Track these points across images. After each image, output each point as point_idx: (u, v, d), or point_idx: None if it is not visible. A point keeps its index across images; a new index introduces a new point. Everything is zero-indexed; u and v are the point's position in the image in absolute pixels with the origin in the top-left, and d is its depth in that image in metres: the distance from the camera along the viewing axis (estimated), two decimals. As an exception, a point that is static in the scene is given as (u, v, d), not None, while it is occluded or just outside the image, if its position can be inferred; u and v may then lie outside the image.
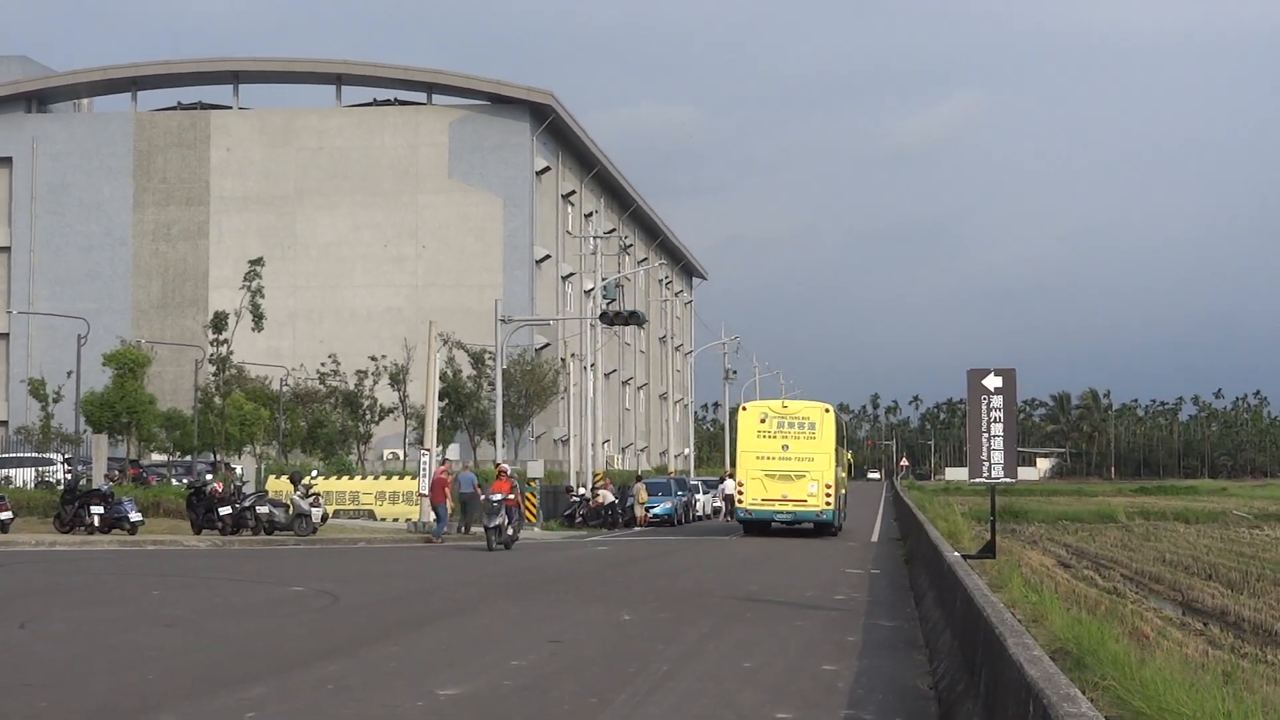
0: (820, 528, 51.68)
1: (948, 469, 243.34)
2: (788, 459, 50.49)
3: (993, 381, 28.05)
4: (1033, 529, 79.03)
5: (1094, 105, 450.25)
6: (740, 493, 51.56)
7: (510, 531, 41.65)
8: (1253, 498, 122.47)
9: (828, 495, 50.38)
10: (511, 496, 41.73)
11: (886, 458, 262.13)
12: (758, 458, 50.85)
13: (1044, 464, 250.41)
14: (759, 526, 51.90)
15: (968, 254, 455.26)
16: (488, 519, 41.38)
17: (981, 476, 28.31)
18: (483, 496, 43.24)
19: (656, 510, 63.84)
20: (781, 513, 50.66)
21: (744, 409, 53.10)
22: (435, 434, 55.18)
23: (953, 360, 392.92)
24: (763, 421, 51.12)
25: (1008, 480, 28.55)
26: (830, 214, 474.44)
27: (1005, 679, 10.67)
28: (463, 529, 49.94)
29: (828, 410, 52.22)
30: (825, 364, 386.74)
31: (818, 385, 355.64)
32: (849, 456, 66.84)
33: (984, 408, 28.04)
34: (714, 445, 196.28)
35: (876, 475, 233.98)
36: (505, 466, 44.18)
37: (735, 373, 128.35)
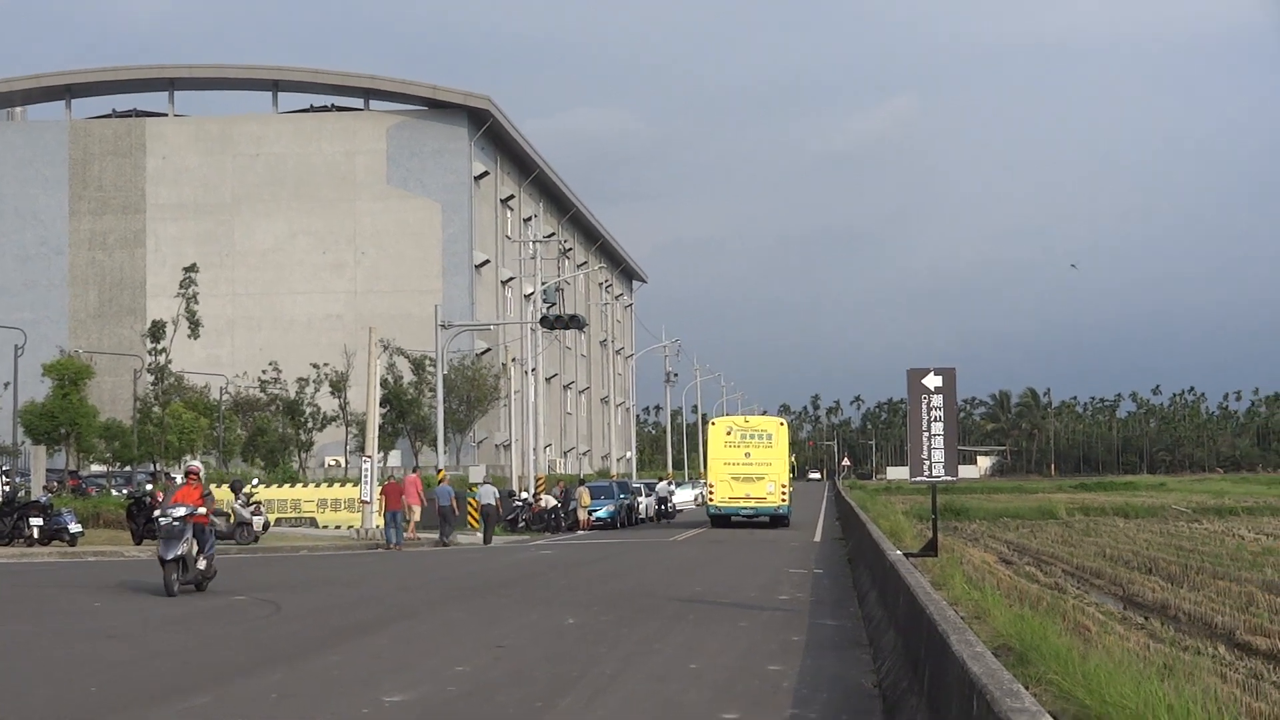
0: (776, 520, 61.38)
1: (889, 468, 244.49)
2: (750, 464, 61.13)
3: (933, 381, 28.12)
4: (974, 526, 79.25)
5: (1027, 109, 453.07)
6: (711, 492, 62.20)
7: (202, 565, 27.71)
8: (1191, 492, 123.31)
9: (783, 494, 61.32)
10: (202, 511, 27.67)
11: (828, 457, 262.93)
12: (725, 464, 61.40)
13: (985, 462, 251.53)
14: (724, 520, 61.66)
15: (906, 255, 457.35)
16: (165, 549, 26.83)
17: (922, 475, 28.38)
18: (162, 515, 27.58)
19: (599, 513, 63.95)
20: (745, 508, 61.16)
21: (713, 423, 63.96)
22: (376, 441, 55.05)
23: (893, 360, 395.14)
24: (729, 434, 61.69)
25: (948, 479, 28.62)
26: (768, 217, 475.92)
27: (949, 676, 10.70)
28: (443, 542, 49.88)
29: (782, 423, 63.54)
30: (766, 365, 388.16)
31: (758, 387, 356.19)
32: (792, 459, 70.29)
33: (924, 407, 28.12)
34: (656, 448, 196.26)
35: (817, 475, 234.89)
36: (196, 466, 29.09)
37: (676, 375, 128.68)
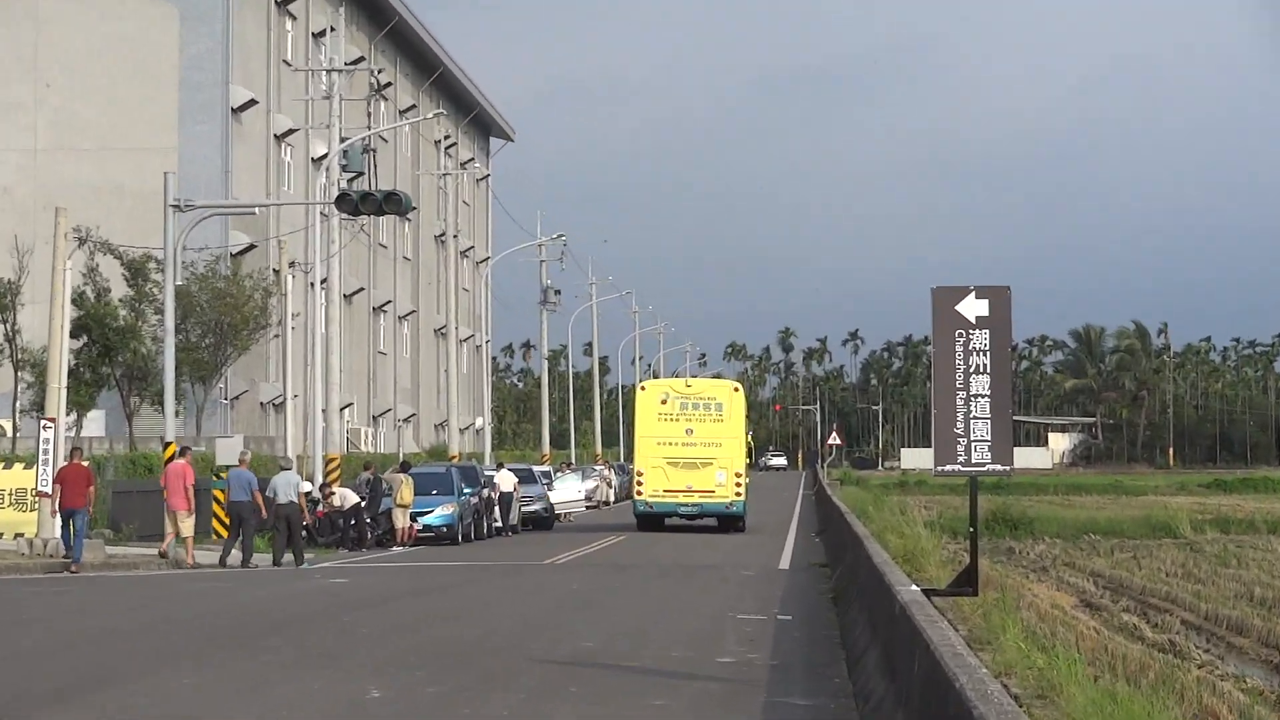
0: (726, 521, 70.09)
1: (905, 451, 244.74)
2: (692, 444, 68.92)
3: (973, 308, 27.92)
4: (1042, 547, 79.60)
5: None
6: (639, 483, 69.91)
7: None
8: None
9: (737, 485, 68.96)
10: None
11: (806, 432, 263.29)
12: (659, 443, 69.11)
13: (1060, 441, 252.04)
14: (655, 521, 70.07)
15: (929, 112, 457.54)
16: None
17: (955, 463, 28.17)
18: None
19: (430, 519, 63.81)
20: (686, 505, 69.44)
21: (642, 389, 73.25)
22: (64, 393, 54.59)
23: (913, 276, 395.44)
24: (664, 403, 69.58)
25: (998, 469, 28.51)
26: (710, 45, 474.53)
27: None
28: (242, 559, 50.49)
29: (736, 389, 72.43)
30: (707, 281, 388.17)
31: (693, 315, 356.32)
32: (749, 438, 78.33)
33: (959, 350, 27.98)
34: (524, 411, 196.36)
35: (782, 461, 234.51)
36: None
37: (559, 294, 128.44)
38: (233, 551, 50.81)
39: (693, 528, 68.89)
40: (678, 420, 68.90)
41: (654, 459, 68.87)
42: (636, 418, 70.52)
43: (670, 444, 68.78)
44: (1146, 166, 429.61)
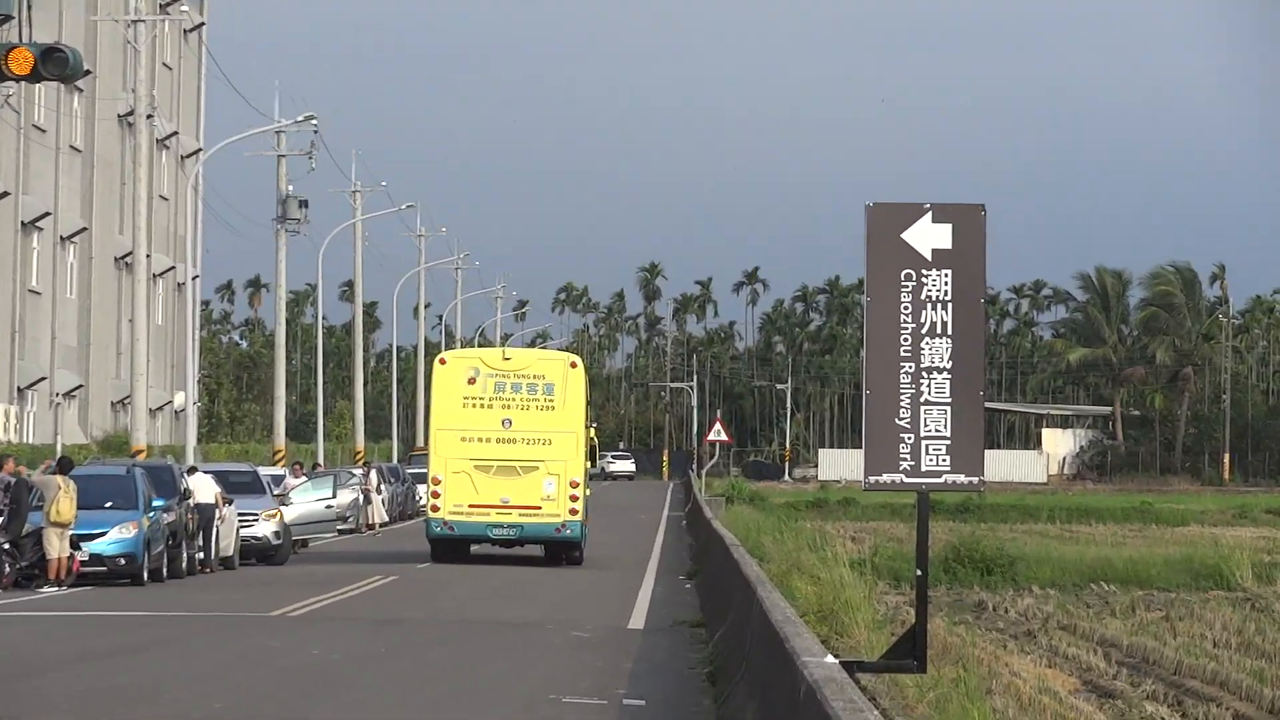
0: (555, 550, 74.86)
1: (824, 452, 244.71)
2: (511, 441, 72.30)
3: (929, 236, 27.91)
4: (1028, 602, 79.94)
5: None
6: (435, 495, 73.68)
7: None
8: None
9: (573, 499, 72.84)
10: None
11: (676, 422, 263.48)
12: (463, 439, 72.37)
13: (1061, 442, 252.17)
14: (459, 547, 74.62)
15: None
16: None
17: (895, 472, 28.29)
18: None
19: (101, 545, 63.69)
20: (500, 525, 72.95)
21: (441, 362, 75.63)
22: None
23: (844, 192, 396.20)
24: (471, 382, 72.13)
25: (962, 481, 28.62)
26: None
27: None
28: None
29: (574, 364, 75.42)
30: (530, 192, 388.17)
31: (507, 242, 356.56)
32: (591, 431, 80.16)
33: (906, 300, 28.03)
34: (249, 385, 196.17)
35: (628, 466, 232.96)
36: None
37: (305, 207, 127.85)
38: None
39: (508, 558, 71.41)
40: (491, 407, 70.81)
41: (456, 460, 70.63)
42: (433, 402, 72.80)
43: (480, 440, 70.66)
44: (1197, 37, 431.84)
